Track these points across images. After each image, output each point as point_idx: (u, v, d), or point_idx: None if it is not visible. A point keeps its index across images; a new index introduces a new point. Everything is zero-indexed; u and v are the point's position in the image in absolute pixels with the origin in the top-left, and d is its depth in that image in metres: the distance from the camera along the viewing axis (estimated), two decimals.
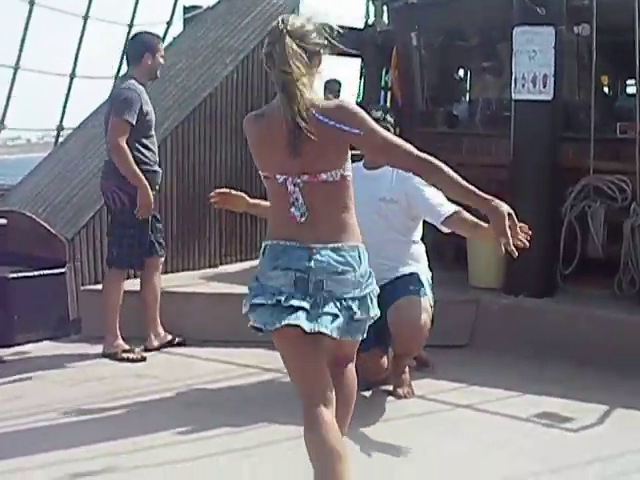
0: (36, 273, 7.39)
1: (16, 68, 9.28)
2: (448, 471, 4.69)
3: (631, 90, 10.54)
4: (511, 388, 6.06)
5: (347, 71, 12.46)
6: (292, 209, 3.60)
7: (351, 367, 4.24)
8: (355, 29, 11.15)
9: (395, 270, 5.82)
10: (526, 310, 7.18)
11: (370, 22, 11.94)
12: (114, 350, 6.88)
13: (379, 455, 4.90)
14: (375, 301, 3.73)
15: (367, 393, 5.97)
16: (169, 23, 10.98)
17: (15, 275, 7.29)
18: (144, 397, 5.98)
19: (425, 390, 6.03)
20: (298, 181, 3.59)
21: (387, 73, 11.11)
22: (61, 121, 9.94)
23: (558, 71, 7.21)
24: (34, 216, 7.76)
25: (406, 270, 5.85)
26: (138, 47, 7.01)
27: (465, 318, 7.31)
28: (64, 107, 9.96)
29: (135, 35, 7.40)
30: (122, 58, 9.97)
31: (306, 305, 3.50)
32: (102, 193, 7.02)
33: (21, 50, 9.33)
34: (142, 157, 6.81)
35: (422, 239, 6.13)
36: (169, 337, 7.21)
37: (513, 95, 7.37)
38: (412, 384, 5.98)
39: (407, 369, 6.00)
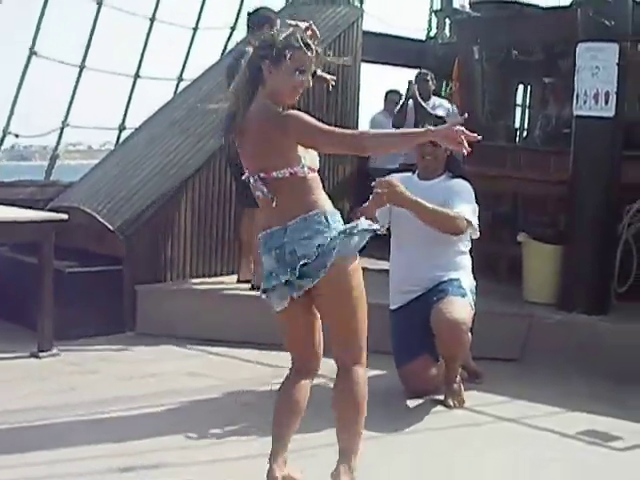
0: (93, 269, 7.50)
1: (82, 67, 9.41)
2: None
3: None
4: (560, 404, 6.03)
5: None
6: (262, 196, 4.22)
7: (354, 374, 4.33)
8: (417, 40, 11.18)
9: (439, 277, 5.93)
10: (579, 326, 7.14)
11: (432, 34, 11.97)
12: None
13: (423, 464, 4.91)
14: (354, 230, 4.15)
15: (416, 402, 5.99)
16: (233, 28, 11.08)
17: (72, 270, 7.39)
18: (197, 396, 6.04)
19: (475, 402, 6.02)
20: (257, 177, 4.21)
21: (448, 85, 11.11)
22: (123, 121, 10.06)
23: (621, 88, 7.18)
24: (94, 213, 7.87)
25: (451, 276, 5.95)
26: (260, 19, 7.58)
27: (517, 332, 7.28)
28: (127, 107, 10.08)
29: (256, 10, 7.93)
30: (185, 60, 10.08)
31: (288, 277, 4.11)
32: None
33: (87, 50, 9.46)
34: None
35: (471, 251, 6.18)
36: None
37: (574, 111, 7.35)
38: (463, 395, 5.99)
39: (459, 379, 6.01)
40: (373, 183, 5.64)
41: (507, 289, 7.89)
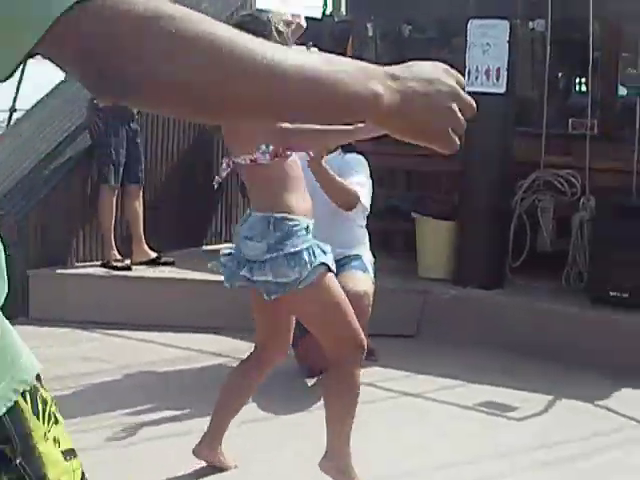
0: None
1: None
2: (391, 459, 4.71)
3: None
4: (457, 377, 6.11)
5: None
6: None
7: (335, 371, 4.24)
8: (313, 19, 11.13)
9: (342, 253, 5.91)
10: (474, 301, 7.22)
11: (328, 12, 11.93)
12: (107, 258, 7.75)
13: (319, 442, 4.90)
14: (294, 263, 3.98)
15: (314, 380, 5.99)
16: None
17: None
18: (88, 380, 5.96)
19: (375, 378, 6.03)
20: (231, 162, 4.22)
21: None
22: (14, 103, 9.84)
23: (512, 65, 7.25)
24: None
25: (352, 252, 5.95)
26: None
27: (413, 308, 7.33)
28: (17, 89, 9.86)
29: None
30: None
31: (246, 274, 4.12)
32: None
33: None
34: None
35: (367, 227, 6.21)
36: (154, 255, 7.94)
37: (466, 87, 7.32)
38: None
39: None
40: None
41: (402, 266, 7.92)
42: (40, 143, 8.18)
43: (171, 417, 5.25)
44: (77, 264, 7.88)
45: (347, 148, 6.19)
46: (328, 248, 4.15)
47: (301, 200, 4.09)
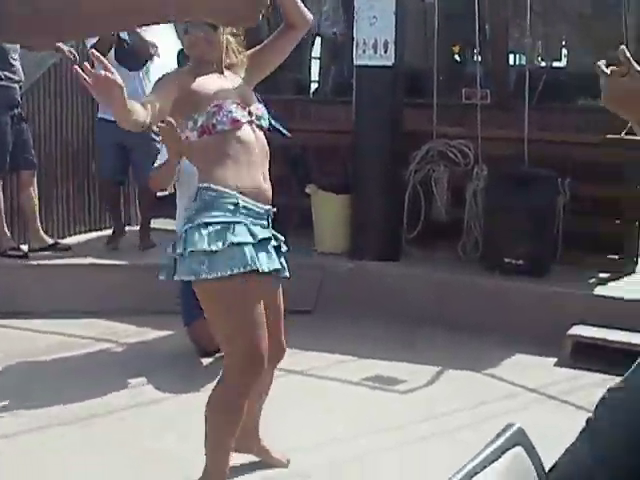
0: None
1: None
2: (276, 435, 4.68)
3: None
4: (350, 352, 6.11)
5: None
6: None
7: (219, 384, 3.97)
8: None
9: None
10: (370, 274, 7.23)
11: None
12: (2, 247, 7.62)
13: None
14: (197, 234, 3.69)
15: (209, 360, 5.95)
16: None
17: None
18: None
19: None
20: None
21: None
22: None
23: (400, 37, 7.24)
24: None
25: None
26: None
27: (310, 283, 7.30)
28: None
29: None
30: None
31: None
32: None
33: None
34: None
35: None
36: (51, 241, 7.85)
37: (355, 61, 7.38)
38: None
39: None
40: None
41: (299, 241, 7.82)
42: None
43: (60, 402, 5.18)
44: None
45: None
46: (270, 246, 3.87)
47: (241, 176, 3.76)
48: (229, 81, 3.97)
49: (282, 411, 5.05)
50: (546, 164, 7.17)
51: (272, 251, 3.86)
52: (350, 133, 7.65)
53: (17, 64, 7.60)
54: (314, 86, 10.97)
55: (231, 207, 3.71)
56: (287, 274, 4.03)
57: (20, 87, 7.68)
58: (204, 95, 3.83)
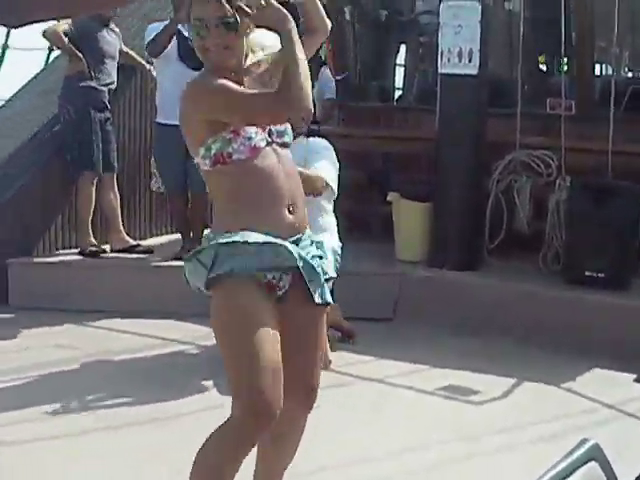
0: None
1: None
2: (353, 443, 4.70)
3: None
4: (428, 361, 6.08)
5: None
6: None
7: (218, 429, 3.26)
8: (292, 3, 11.07)
9: None
10: (449, 283, 7.21)
11: None
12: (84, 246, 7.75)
13: None
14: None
15: None
16: None
17: None
18: (62, 367, 5.96)
19: (341, 362, 6.03)
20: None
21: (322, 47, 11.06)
22: None
23: (484, 46, 7.21)
24: None
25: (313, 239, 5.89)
26: None
27: (390, 291, 7.32)
28: None
29: None
30: None
31: None
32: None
33: None
34: None
35: (339, 210, 6.20)
36: (133, 242, 7.95)
37: (439, 69, 7.37)
38: (329, 355, 5.99)
39: (326, 340, 6.00)
40: None
41: (380, 249, 7.91)
42: (17, 134, 8.16)
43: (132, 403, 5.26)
44: (55, 252, 7.89)
45: (311, 133, 6.16)
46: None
47: (261, 215, 3.26)
48: None
49: (357, 418, 5.08)
50: (630, 176, 7.08)
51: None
52: (433, 141, 7.64)
53: (109, 68, 7.78)
54: (398, 93, 10.98)
55: (252, 250, 3.19)
56: (329, 300, 3.41)
57: (109, 91, 7.80)
58: None
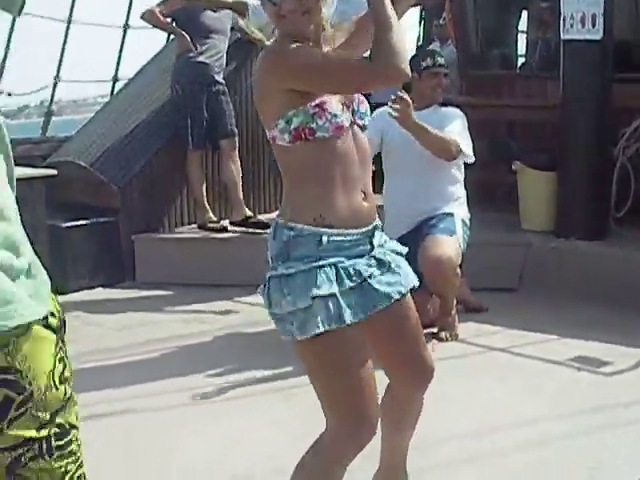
0: (89, 221, 7.52)
1: (69, 21, 9.37)
2: (480, 415, 4.71)
3: None
4: (555, 332, 6.02)
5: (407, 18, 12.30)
6: None
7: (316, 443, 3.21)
8: None
9: (432, 210, 5.95)
10: (576, 253, 7.10)
11: None
12: (202, 221, 7.90)
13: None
14: (279, 291, 3.01)
15: None
16: None
17: (69, 224, 7.43)
18: (191, 341, 6.12)
19: (469, 333, 6.05)
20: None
21: (441, 17, 10.96)
22: (116, 72, 10.02)
23: (609, 10, 7.05)
24: (87, 165, 7.87)
25: (443, 210, 5.94)
26: None
27: (515, 261, 7.26)
28: (119, 58, 10.03)
29: None
30: None
31: None
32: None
33: (73, 4, 9.40)
34: None
35: (466, 181, 6.20)
36: (249, 213, 7.94)
37: (562, 35, 7.24)
38: (457, 328, 5.99)
39: (454, 312, 6.01)
40: (392, 97, 5.61)
41: (505, 218, 7.84)
42: (140, 112, 8.32)
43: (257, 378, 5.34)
44: (177, 228, 8.07)
45: (444, 102, 6.19)
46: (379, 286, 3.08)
47: (334, 201, 3.03)
48: None
49: (483, 387, 5.08)
50: None
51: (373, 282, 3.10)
52: (557, 109, 7.53)
53: (217, 42, 7.84)
54: (521, 60, 10.84)
55: (314, 247, 2.99)
56: (414, 283, 3.30)
57: (220, 65, 7.86)
58: None
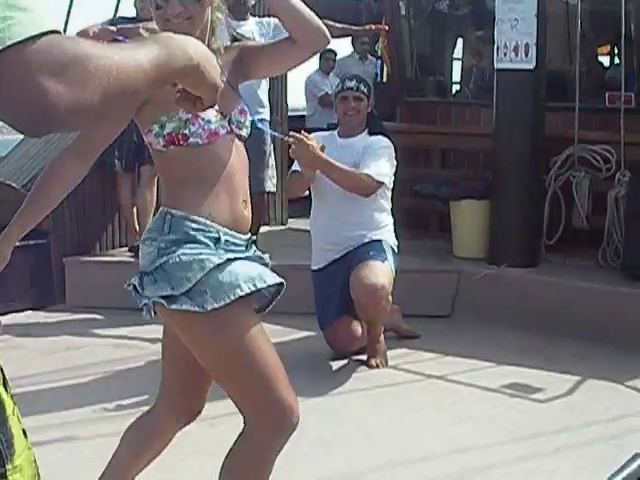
0: (20, 243, 7.37)
1: None
2: (410, 443, 4.69)
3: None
4: (487, 358, 6.04)
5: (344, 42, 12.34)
6: None
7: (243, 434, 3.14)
8: None
9: (359, 237, 5.94)
10: (508, 280, 7.14)
11: None
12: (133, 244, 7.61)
13: (341, 426, 4.91)
14: (181, 269, 2.94)
15: (341, 363, 5.99)
16: None
17: None
18: (119, 366, 6.02)
19: (400, 360, 6.04)
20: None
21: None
22: None
23: (541, 40, 7.13)
24: (19, 187, 7.76)
25: (371, 237, 5.94)
26: None
27: (447, 288, 7.28)
28: None
29: None
30: None
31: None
32: None
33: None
34: None
35: (398, 207, 6.20)
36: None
37: (495, 64, 7.31)
38: (387, 354, 5.98)
39: (382, 339, 6.00)
40: (286, 137, 5.61)
41: (438, 245, 7.89)
42: (73, 134, 8.21)
43: None
44: (108, 251, 8.01)
45: (375, 129, 6.17)
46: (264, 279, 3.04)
47: (219, 204, 3.03)
48: None
49: (418, 416, 5.07)
50: None
51: None
52: (490, 137, 7.59)
53: None
54: (455, 88, 10.92)
55: (211, 243, 3.00)
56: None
57: None
58: (174, 93, 2.95)
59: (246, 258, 3.06)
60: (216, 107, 2.82)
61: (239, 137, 3.12)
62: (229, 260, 2.97)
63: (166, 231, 3.00)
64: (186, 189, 3.02)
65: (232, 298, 2.91)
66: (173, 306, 2.94)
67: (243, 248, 3.09)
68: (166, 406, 3.36)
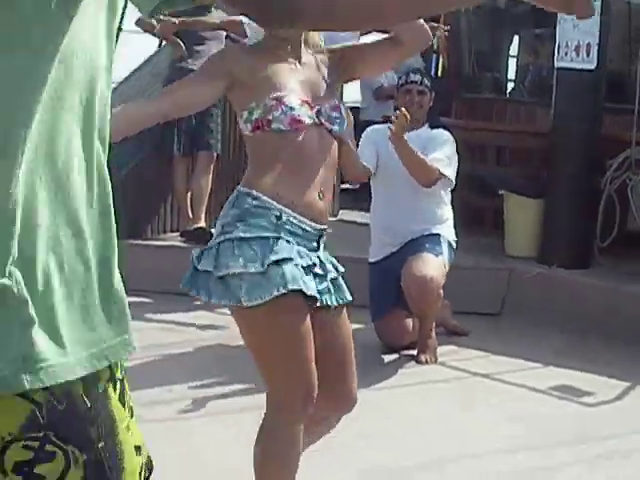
0: None
1: None
2: (455, 440, 4.67)
3: None
4: (535, 359, 6.01)
5: None
6: None
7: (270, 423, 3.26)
8: None
9: (420, 230, 5.91)
10: (559, 281, 7.09)
11: None
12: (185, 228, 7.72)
13: (387, 420, 4.90)
14: (229, 253, 3.06)
15: (391, 357, 5.98)
16: None
17: None
18: (173, 350, 6.06)
19: (448, 357, 6.02)
20: None
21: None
22: None
23: (603, 40, 7.07)
24: None
25: (430, 230, 5.93)
26: None
27: (498, 286, 7.24)
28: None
29: None
30: None
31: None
32: None
33: None
34: None
35: (453, 203, 6.21)
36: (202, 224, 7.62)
37: (556, 63, 7.26)
38: (437, 351, 5.97)
39: (433, 335, 5.98)
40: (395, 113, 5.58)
41: (491, 243, 7.83)
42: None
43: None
44: (160, 235, 8.04)
45: (434, 123, 6.16)
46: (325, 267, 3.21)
47: (293, 188, 3.12)
48: (303, 70, 3.23)
49: (461, 412, 5.05)
50: None
51: (318, 279, 3.18)
52: (546, 136, 7.54)
53: (208, 47, 7.60)
54: (510, 85, 10.86)
55: (273, 220, 3.08)
56: (348, 298, 3.40)
57: None
58: (264, 81, 3.14)
59: (309, 266, 3.13)
60: (305, 96, 3.14)
61: (330, 131, 3.21)
62: (276, 263, 3.02)
63: (230, 205, 3.16)
64: (261, 170, 3.14)
65: (266, 299, 3.01)
66: (213, 299, 3.15)
67: (313, 238, 3.18)
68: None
